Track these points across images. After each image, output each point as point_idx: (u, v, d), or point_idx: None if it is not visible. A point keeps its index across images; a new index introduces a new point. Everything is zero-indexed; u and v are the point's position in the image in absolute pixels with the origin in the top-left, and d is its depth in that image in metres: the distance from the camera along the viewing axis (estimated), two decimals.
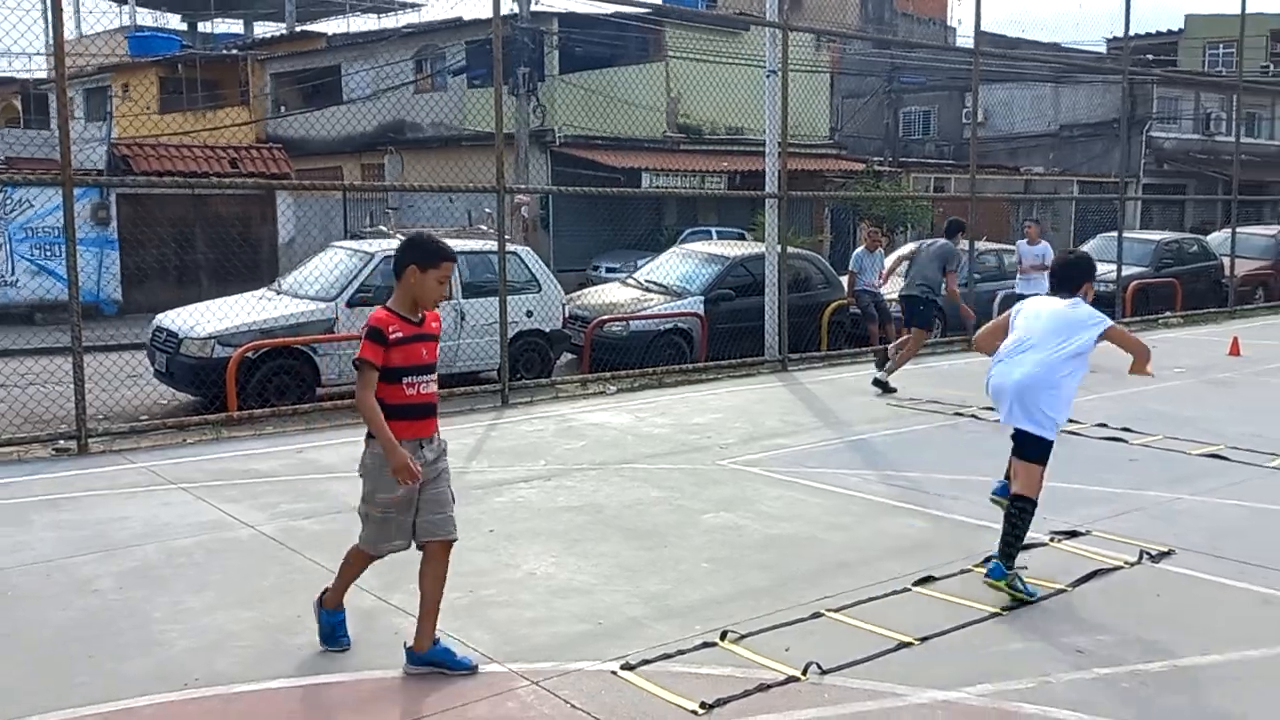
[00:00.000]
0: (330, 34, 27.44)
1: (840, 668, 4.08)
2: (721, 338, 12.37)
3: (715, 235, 21.02)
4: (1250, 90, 34.00)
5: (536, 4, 19.81)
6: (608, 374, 10.69)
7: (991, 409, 9.16)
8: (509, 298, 10.76)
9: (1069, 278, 5.17)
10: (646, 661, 4.12)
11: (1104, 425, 8.49)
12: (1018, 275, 13.24)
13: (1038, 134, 34.56)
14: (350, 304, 10.04)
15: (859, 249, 14.14)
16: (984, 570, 4.99)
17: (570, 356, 12.31)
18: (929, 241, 11.55)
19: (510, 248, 11.45)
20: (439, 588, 4.08)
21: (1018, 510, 4.90)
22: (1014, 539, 4.87)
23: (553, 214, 21.59)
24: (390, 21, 29.71)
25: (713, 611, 4.66)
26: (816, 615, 4.63)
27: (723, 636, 4.35)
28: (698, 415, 9.11)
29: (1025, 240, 13.15)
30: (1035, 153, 34.27)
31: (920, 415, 9.13)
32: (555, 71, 21.55)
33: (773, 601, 4.78)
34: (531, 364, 11.14)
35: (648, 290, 13.13)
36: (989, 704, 3.83)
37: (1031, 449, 4.98)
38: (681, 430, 8.51)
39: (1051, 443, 5.01)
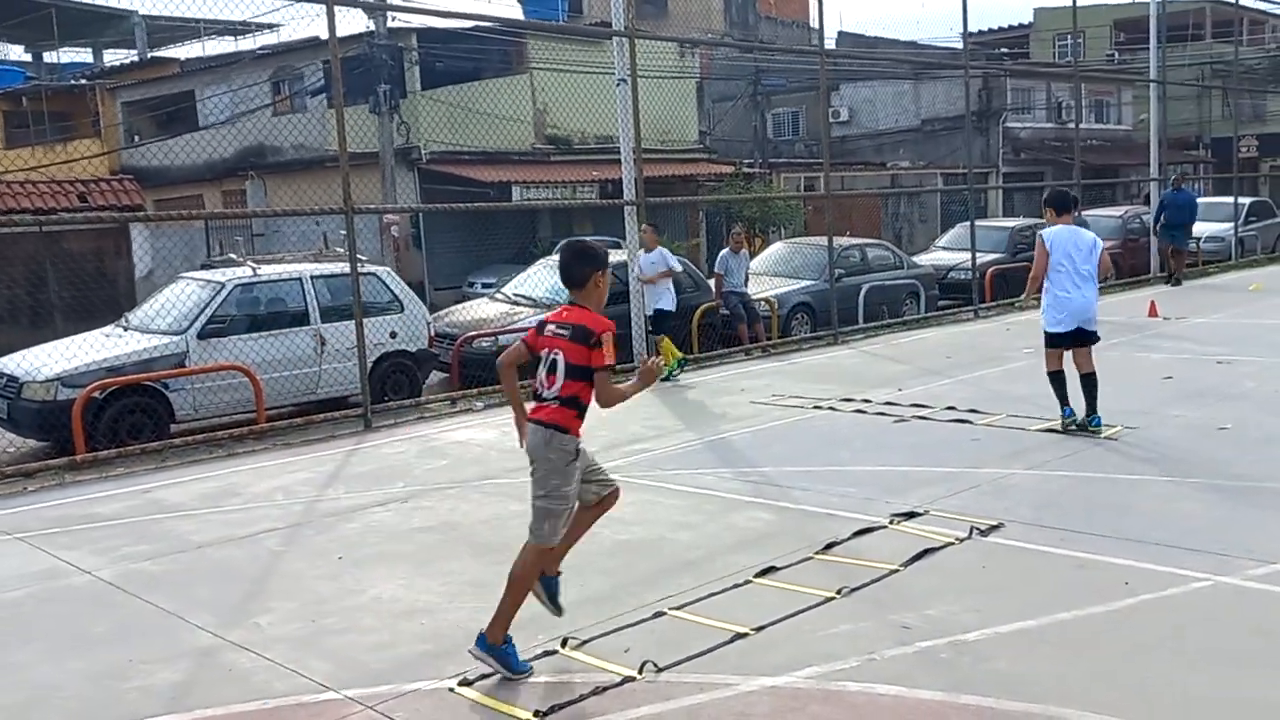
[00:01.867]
0: (184, 59, 26.60)
1: (676, 664, 4.16)
2: None
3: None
4: (1097, 79, 35.80)
5: (393, 20, 19.58)
6: (474, 391, 10.63)
7: (849, 400, 9.51)
8: (371, 319, 10.67)
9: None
10: (485, 676, 4.13)
11: (952, 408, 8.83)
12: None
13: (901, 129, 35.66)
14: (201, 336, 9.77)
15: (724, 251, 14.39)
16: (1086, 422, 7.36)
17: (443, 375, 12.22)
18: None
19: (369, 268, 11.33)
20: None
21: (1092, 380, 7.76)
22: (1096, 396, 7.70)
23: (424, 232, 21.36)
24: (249, 44, 29.02)
25: (556, 620, 4.68)
26: (659, 615, 4.72)
27: (563, 644, 4.39)
28: None
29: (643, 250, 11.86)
30: (900, 148, 35.35)
31: (780, 410, 9.35)
32: (417, 88, 21.34)
33: (616, 605, 4.85)
34: (399, 385, 11.01)
35: (516, 304, 13.13)
36: (815, 685, 3.96)
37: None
38: None
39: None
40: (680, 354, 11.81)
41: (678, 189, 23.65)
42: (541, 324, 4.32)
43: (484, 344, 11.98)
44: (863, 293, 15.69)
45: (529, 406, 4.30)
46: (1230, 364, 10.36)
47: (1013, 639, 4.29)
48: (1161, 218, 19.03)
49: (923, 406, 9.00)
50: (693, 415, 9.48)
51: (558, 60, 21.52)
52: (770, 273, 16.76)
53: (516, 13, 29.70)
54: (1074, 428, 7.76)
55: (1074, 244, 7.81)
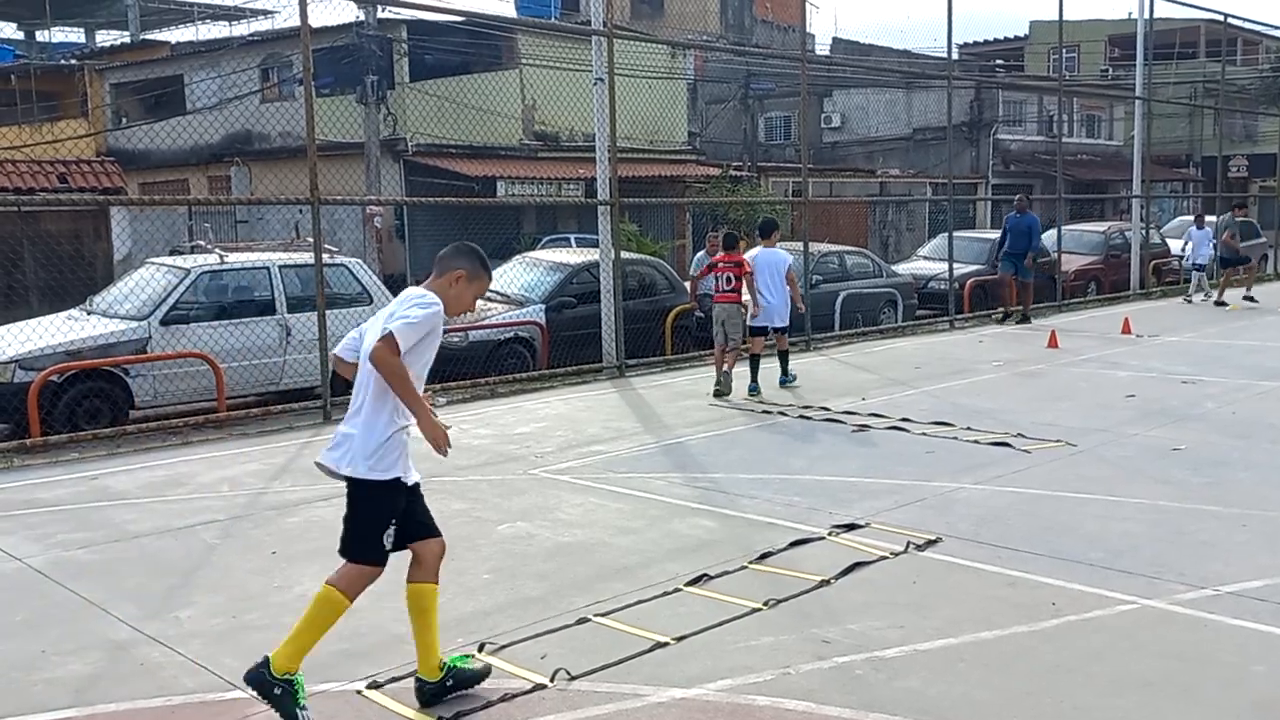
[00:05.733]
0: (174, 43, 26.48)
1: (589, 672, 4.13)
2: (565, 345, 12.40)
3: (574, 242, 21.05)
4: (1083, 93, 35.84)
5: (383, 12, 19.53)
6: (437, 386, 10.58)
7: (809, 407, 9.48)
8: (339, 311, 10.63)
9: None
10: (395, 679, 4.10)
11: (907, 419, 8.81)
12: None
13: (893, 137, 35.72)
14: (164, 322, 9.72)
15: (700, 254, 14.39)
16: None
17: None
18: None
19: (339, 259, 11.30)
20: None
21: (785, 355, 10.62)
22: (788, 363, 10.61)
23: (408, 224, 21.31)
24: (242, 29, 28.93)
25: (479, 623, 4.66)
26: (583, 621, 4.69)
27: (480, 648, 4.36)
28: (523, 425, 9.12)
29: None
30: (891, 155, 35.40)
31: (742, 415, 9.33)
32: (406, 79, 21.29)
33: (543, 610, 4.82)
34: None
35: (489, 300, 13.07)
36: (725, 699, 3.93)
37: None
38: (502, 441, 8.50)
39: None
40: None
41: (665, 189, 23.66)
42: (713, 264, 10.31)
43: (453, 339, 11.93)
44: (839, 300, 15.67)
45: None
46: (1195, 384, 10.37)
47: (931, 657, 4.26)
48: (1005, 244, 16.36)
49: (881, 417, 8.98)
50: (653, 418, 9.45)
51: (548, 57, 21.50)
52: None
53: (507, 8, 29.66)
54: (754, 396, 10.07)
55: (770, 263, 10.63)
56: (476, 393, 10.64)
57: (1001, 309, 16.60)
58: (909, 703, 3.87)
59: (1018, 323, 15.95)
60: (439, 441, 3.77)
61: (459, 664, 3.98)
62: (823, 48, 39.10)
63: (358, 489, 3.82)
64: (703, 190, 24.37)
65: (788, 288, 10.69)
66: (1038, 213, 17.92)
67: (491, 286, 13.62)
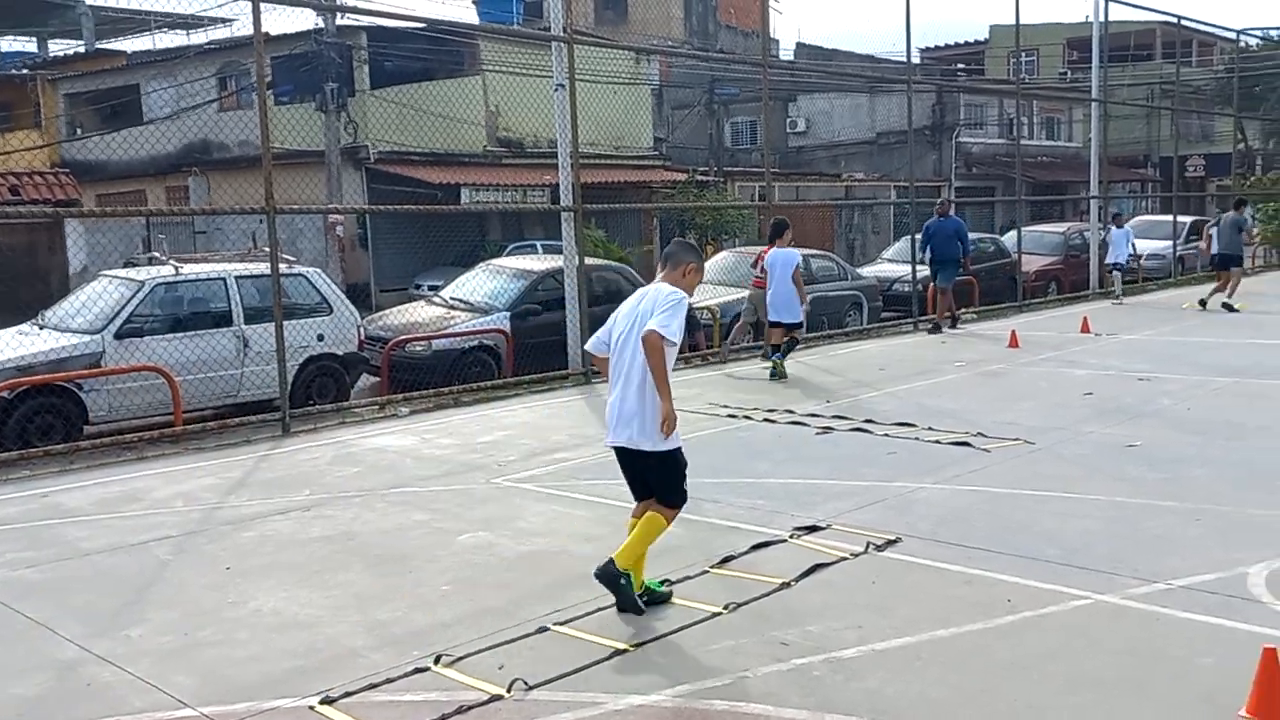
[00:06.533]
0: (130, 52, 26.16)
1: (547, 682, 4.10)
2: (531, 353, 12.35)
3: (541, 249, 21.00)
4: (1040, 95, 36.29)
5: (342, 18, 19.42)
6: (400, 397, 10.52)
7: (774, 411, 9.50)
8: (298, 321, 10.55)
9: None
10: (350, 694, 4.04)
11: (870, 421, 8.85)
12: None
13: (857, 141, 35.95)
14: (119, 335, 9.58)
15: None
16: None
17: (375, 379, 12.08)
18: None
19: (298, 269, 11.20)
20: None
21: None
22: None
23: (371, 232, 21.17)
24: (199, 38, 28.62)
25: (438, 635, 4.62)
26: (542, 630, 4.65)
27: (437, 660, 4.32)
28: (487, 434, 9.06)
29: None
30: (855, 159, 35.62)
31: (707, 420, 9.32)
32: (366, 86, 21.16)
33: (502, 620, 4.78)
34: (325, 389, 10.87)
35: (453, 308, 13.01)
36: (683, 704, 3.92)
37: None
38: (465, 450, 8.44)
39: None
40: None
41: (631, 195, 23.65)
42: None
43: (417, 348, 11.87)
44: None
45: None
46: (1151, 381, 10.49)
47: (888, 656, 4.27)
48: (929, 250, 15.39)
49: (846, 419, 9.02)
50: None
51: (511, 62, 21.44)
52: (715, 281, 16.78)
53: (469, 14, 29.58)
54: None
55: (781, 262, 11.55)
56: (440, 402, 10.57)
57: (932, 323, 15.53)
58: (866, 703, 3.87)
59: (950, 328, 15.23)
60: (672, 422, 4.73)
61: (655, 588, 4.90)
62: (787, 53, 39.35)
63: (659, 459, 4.84)
64: (669, 195, 24.39)
65: (794, 285, 11.55)
66: (1007, 215, 18.05)
67: (455, 295, 13.71)
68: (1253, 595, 4.80)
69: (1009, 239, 21.77)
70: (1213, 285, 17.83)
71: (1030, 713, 3.79)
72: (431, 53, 21.83)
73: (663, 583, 5.00)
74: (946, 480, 6.98)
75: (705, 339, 14.23)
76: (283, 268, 10.14)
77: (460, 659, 4.34)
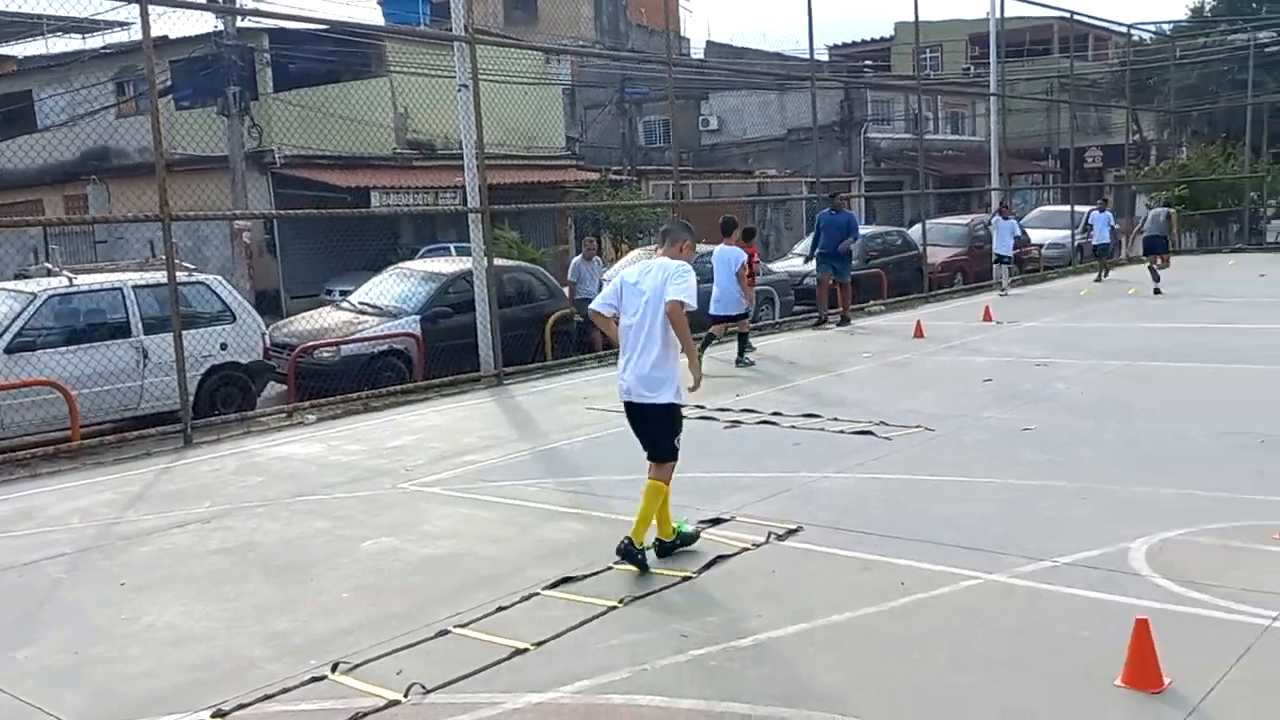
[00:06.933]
0: (21, 56, 25.22)
1: (446, 685, 4.09)
2: (443, 356, 12.25)
3: (454, 251, 20.83)
4: (940, 91, 37.15)
5: (243, 20, 19.00)
6: (307, 404, 10.35)
7: (684, 406, 9.56)
8: (200, 330, 10.34)
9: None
10: (243, 705, 3.99)
11: (779, 414, 8.99)
12: None
13: (768, 138, 36.37)
14: (9, 350, 9.26)
15: (576, 258, 14.41)
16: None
17: (284, 387, 11.85)
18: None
19: (199, 277, 10.96)
20: None
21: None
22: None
23: (279, 238, 20.76)
24: (97, 41, 27.70)
25: (338, 643, 4.57)
26: (443, 633, 4.64)
27: (334, 668, 4.28)
28: (396, 439, 8.98)
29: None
30: (768, 156, 36.03)
31: (618, 418, 9.32)
32: (270, 89, 20.74)
33: (403, 625, 4.75)
34: (230, 399, 10.65)
35: (361, 313, 12.85)
36: (581, 700, 3.95)
37: None
38: (373, 456, 8.35)
39: None
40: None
41: (544, 195, 23.58)
42: None
43: (325, 354, 11.70)
44: (714, 299, 15.85)
45: None
46: (1047, 367, 10.85)
47: (784, 643, 4.36)
48: (819, 243, 15.24)
49: (754, 412, 9.15)
50: (529, 425, 9.43)
51: (418, 64, 21.21)
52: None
53: (375, 14, 29.18)
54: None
55: (725, 259, 11.98)
56: (349, 408, 10.44)
57: (819, 317, 15.42)
58: (760, 690, 3.95)
59: (839, 325, 15.20)
60: (698, 378, 5.60)
61: (682, 528, 5.59)
62: (697, 52, 39.62)
63: (665, 410, 5.42)
64: (583, 195, 24.39)
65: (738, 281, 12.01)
66: (915, 208, 18.39)
67: (364, 299, 13.52)
68: (1133, 569, 5.01)
69: (915, 232, 22.28)
70: (1100, 269, 19.37)
71: (915, 693, 3.91)
72: (337, 54, 21.48)
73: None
74: (849, 469, 7.13)
75: None
76: (182, 276, 9.93)
77: (358, 666, 4.31)
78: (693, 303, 5.29)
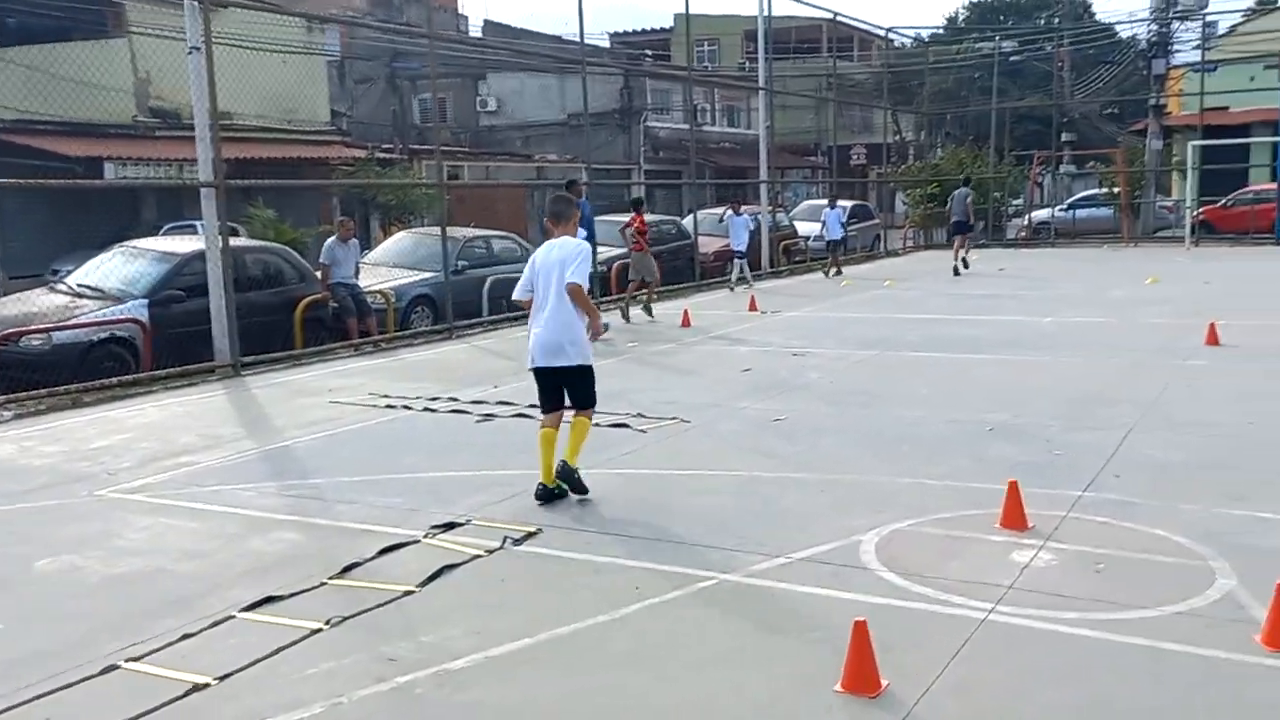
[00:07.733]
0: None
1: None
2: (177, 344, 11.17)
3: (201, 229, 19.26)
4: (711, 83, 38.07)
5: None
6: (3, 398, 9.14)
7: (436, 399, 9.10)
8: None
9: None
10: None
11: (535, 406, 8.61)
12: None
13: (549, 122, 36.03)
14: None
15: (330, 239, 13.53)
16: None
17: None
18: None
19: None
20: None
21: None
22: None
23: None
24: None
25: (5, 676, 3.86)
26: (111, 669, 4.01)
27: None
28: (103, 438, 8.02)
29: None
30: (548, 140, 35.70)
31: (360, 412, 8.77)
32: None
33: (66, 660, 4.08)
34: None
35: (80, 295, 11.53)
36: None
37: None
38: (71, 458, 7.40)
39: None
40: None
41: (306, 172, 22.29)
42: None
43: (33, 342, 10.39)
44: (486, 285, 15.40)
45: None
46: (803, 356, 11.05)
47: (502, 662, 4.01)
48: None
49: (509, 404, 8.79)
50: (261, 421, 8.67)
51: (163, 25, 19.43)
52: (392, 263, 16.09)
53: None
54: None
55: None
56: (55, 403, 9.29)
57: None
58: (465, 717, 3.58)
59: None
60: (598, 330, 6.33)
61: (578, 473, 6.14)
62: (475, 30, 38.73)
63: (580, 369, 6.14)
64: (349, 173, 23.21)
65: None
66: (686, 198, 18.41)
67: (84, 280, 12.16)
68: (862, 563, 4.97)
69: (689, 221, 22.53)
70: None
71: (639, 704, 3.65)
72: (66, 10, 19.38)
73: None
74: (600, 464, 6.86)
75: (377, 324, 13.55)
76: None
77: None
78: (586, 283, 5.97)
